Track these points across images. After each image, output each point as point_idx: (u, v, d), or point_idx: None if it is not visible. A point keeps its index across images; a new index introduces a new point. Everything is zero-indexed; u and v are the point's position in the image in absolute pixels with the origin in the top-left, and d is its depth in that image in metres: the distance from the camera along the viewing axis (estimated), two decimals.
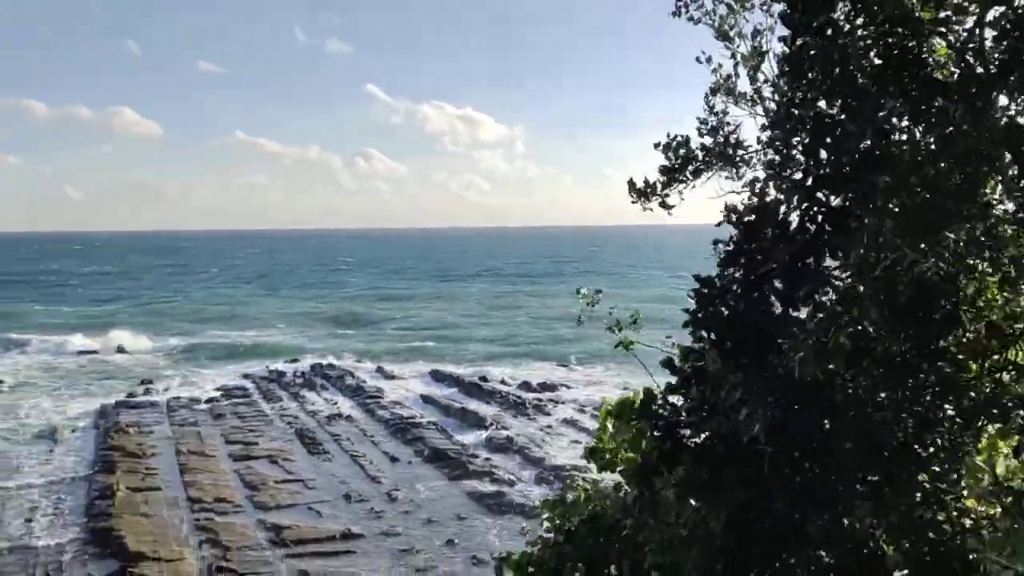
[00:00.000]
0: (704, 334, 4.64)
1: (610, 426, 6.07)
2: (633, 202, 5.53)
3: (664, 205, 5.55)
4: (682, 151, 5.28)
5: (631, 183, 5.51)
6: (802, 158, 4.64)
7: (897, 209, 4.78)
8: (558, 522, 6.23)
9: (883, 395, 4.44)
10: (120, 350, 71.58)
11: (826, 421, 4.50)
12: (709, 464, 4.66)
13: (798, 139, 4.76)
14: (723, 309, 4.59)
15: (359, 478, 35.78)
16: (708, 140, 5.34)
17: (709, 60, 5.36)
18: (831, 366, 4.46)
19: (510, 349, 63.22)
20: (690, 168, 5.29)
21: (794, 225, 4.54)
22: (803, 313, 4.62)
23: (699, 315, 4.63)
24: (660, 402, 5.18)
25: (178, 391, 54.30)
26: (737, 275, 4.61)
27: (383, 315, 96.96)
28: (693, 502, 4.80)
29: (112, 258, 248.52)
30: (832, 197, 4.50)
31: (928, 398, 4.51)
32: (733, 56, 5.20)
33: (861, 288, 4.75)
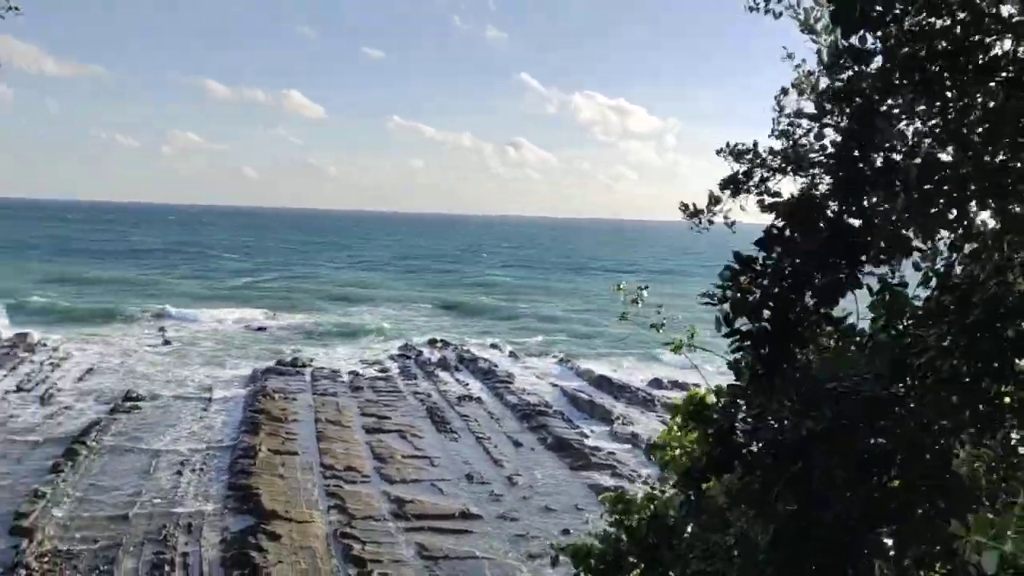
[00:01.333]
0: (735, 318, 4.48)
1: (676, 425, 5.95)
2: (691, 219, 5.30)
3: (725, 218, 5.29)
4: (747, 157, 5.03)
5: (683, 205, 5.31)
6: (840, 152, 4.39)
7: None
8: (619, 517, 6.19)
9: (944, 421, 4.12)
10: (269, 320, 76.37)
11: (877, 438, 4.22)
12: (760, 474, 4.49)
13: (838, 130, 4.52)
14: (755, 292, 4.39)
15: (482, 460, 36.51)
16: (778, 144, 5.07)
17: (791, 56, 5.07)
18: (866, 375, 4.18)
19: (643, 348, 62.44)
20: (755, 177, 5.02)
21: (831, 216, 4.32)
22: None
23: (729, 296, 4.46)
24: (718, 405, 5.04)
25: (322, 363, 57.14)
26: (770, 260, 4.41)
27: (521, 304, 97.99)
28: (742, 512, 4.65)
29: (275, 233, 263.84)
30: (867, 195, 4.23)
31: (1005, 427, 4.14)
32: (819, 52, 4.89)
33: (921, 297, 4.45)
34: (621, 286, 6.61)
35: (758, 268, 4.38)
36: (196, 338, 65.35)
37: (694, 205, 5.28)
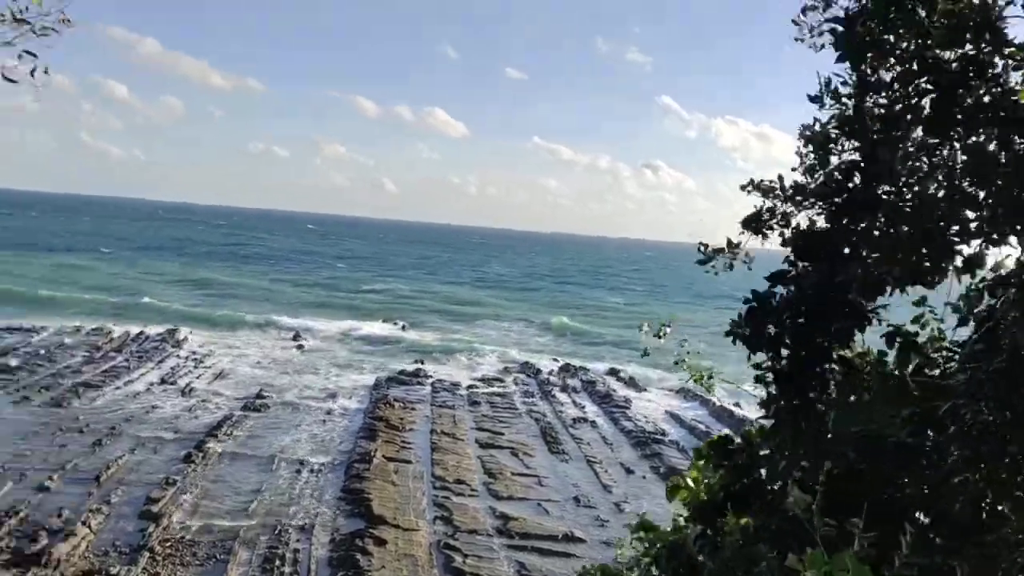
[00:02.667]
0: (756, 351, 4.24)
1: (698, 468, 5.65)
2: (710, 257, 5.00)
3: (745, 256, 4.95)
4: (774, 192, 4.69)
5: (702, 245, 5.00)
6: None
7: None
8: (647, 545, 5.95)
9: (970, 473, 3.69)
10: (402, 330, 78.62)
11: (901, 486, 3.83)
12: (779, 516, 4.17)
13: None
14: (772, 329, 4.11)
15: (591, 483, 36.07)
16: (802, 178, 4.72)
17: (828, 83, 4.68)
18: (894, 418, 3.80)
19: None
20: (778, 215, 4.66)
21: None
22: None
23: (747, 332, 4.20)
24: (738, 443, 4.76)
25: (443, 375, 58.20)
26: (786, 295, 4.13)
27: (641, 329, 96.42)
28: (759, 553, 4.35)
29: (409, 247, 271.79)
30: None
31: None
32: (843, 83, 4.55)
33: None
34: (645, 327, 6.44)
35: (773, 305, 4.14)
36: (326, 346, 68.03)
37: (709, 246, 4.99)
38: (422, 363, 61.66)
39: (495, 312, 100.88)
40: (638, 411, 50.46)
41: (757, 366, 4.37)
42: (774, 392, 4.32)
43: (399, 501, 31.54)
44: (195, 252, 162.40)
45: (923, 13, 3.85)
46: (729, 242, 4.84)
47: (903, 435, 3.84)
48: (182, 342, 61.60)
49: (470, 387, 54.71)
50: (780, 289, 4.33)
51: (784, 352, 4.23)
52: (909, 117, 4.04)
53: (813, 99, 4.46)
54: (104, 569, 23.99)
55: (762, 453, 4.63)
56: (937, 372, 4.19)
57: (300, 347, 65.80)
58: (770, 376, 4.32)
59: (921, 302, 4.51)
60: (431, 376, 57.03)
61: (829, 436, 3.98)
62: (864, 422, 3.94)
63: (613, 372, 64.36)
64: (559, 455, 40.22)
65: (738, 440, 4.92)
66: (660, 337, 6.33)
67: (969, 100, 3.86)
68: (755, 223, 4.60)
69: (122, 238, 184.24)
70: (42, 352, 53.18)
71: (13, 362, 49.46)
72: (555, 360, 67.03)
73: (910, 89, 4.03)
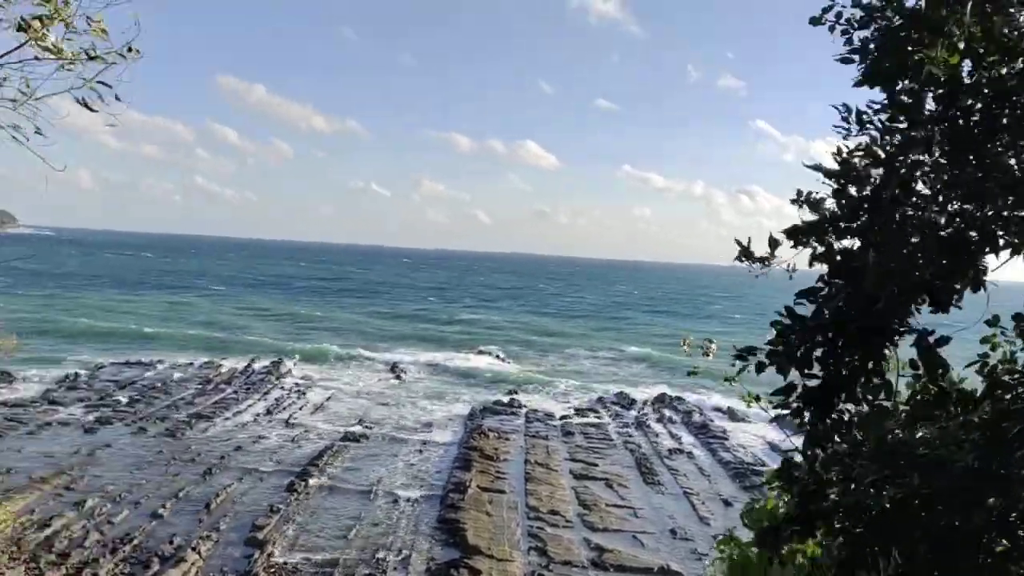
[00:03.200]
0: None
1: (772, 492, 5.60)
2: (750, 263, 4.97)
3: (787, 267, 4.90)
4: (824, 207, 4.65)
5: (741, 248, 4.98)
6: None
7: None
8: (735, 558, 5.92)
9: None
10: (495, 361, 79.32)
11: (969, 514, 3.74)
12: (847, 541, 4.15)
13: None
14: (803, 348, 4.12)
15: (688, 516, 35.40)
16: (853, 190, 4.67)
17: (849, 110, 4.65)
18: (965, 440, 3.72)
19: None
20: (822, 231, 4.60)
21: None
22: None
23: (779, 349, 4.22)
24: (802, 465, 4.74)
25: (537, 405, 58.34)
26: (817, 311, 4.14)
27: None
28: None
29: (503, 276, 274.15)
30: None
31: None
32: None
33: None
34: (687, 341, 6.45)
35: (808, 324, 4.16)
36: (421, 377, 69.26)
37: (750, 250, 5.01)
38: (516, 393, 61.97)
39: (588, 342, 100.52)
40: (737, 442, 49.31)
41: (777, 392, 4.45)
42: (803, 411, 4.39)
43: (494, 531, 31.72)
44: (296, 288, 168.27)
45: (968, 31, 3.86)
46: (772, 241, 4.83)
47: (970, 459, 3.80)
48: (286, 375, 63.88)
49: (563, 417, 54.64)
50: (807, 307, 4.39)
51: (817, 369, 4.26)
52: (938, 139, 4.04)
53: (839, 125, 4.49)
54: None
55: (827, 478, 4.63)
56: (1009, 396, 4.12)
57: (398, 378, 67.20)
58: (794, 397, 4.39)
59: (994, 322, 4.45)
60: (524, 406, 57.24)
61: (886, 454, 3.97)
62: (925, 444, 3.93)
63: (710, 400, 63.10)
64: (655, 486, 39.64)
65: (803, 463, 4.92)
66: (707, 355, 6.36)
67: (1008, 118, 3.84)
68: (799, 235, 4.61)
69: (229, 275, 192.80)
70: (158, 385, 56.07)
71: (132, 394, 52.35)
72: (649, 390, 66.26)
73: (946, 110, 4.03)
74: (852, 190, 4.40)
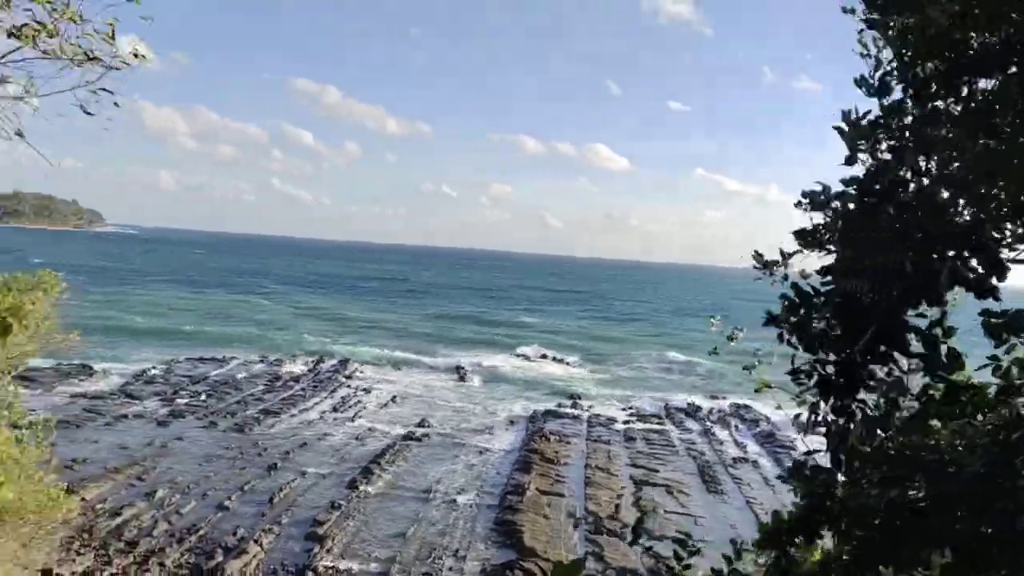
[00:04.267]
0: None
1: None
2: (764, 269, 4.77)
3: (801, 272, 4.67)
4: (828, 208, 4.39)
5: (756, 255, 4.79)
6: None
7: None
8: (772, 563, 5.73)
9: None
10: (558, 364, 79.17)
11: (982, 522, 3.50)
12: (858, 544, 3.94)
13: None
14: (813, 321, 3.92)
15: (750, 526, 34.58)
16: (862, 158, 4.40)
17: (863, 79, 4.35)
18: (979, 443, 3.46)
19: None
20: (835, 230, 4.34)
21: None
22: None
23: (787, 320, 4.03)
24: (812, 464, 4.54)
25: (599, 409, 57.93)
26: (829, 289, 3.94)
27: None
28: None
29: (571, 280, 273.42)
30: None
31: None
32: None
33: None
34: (715, 320, 6.26)
35: (818, 302, 3.98)
36: (483, 379, 69.54)
37: (763, 257, 4.83)
38: (578, 398, 61.66)
39: (653, 349, 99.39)
40: (804, 450, 47.97)
41: (794, 372, 4.28)
42: (816, 399, 4.23)
43: (550, 534, 31.59)
44: (364, 288, 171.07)
45: None
46: (782, 253, 4.68)
47: (978, 465, 3.57)
48: (352, 374, 64.90)
49: (626, 423, 54.12)
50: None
51: (830, 355, 4.09)
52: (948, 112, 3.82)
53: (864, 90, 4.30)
54: None
55: (840, 478, 4.45)
56: (1021, 400, 3.87)
57: (461, 380, 67.63)
58: (812, 381, 4.22)
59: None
60: (586, 411, 56.91)
61: (892, 456, 3.77)
62: (932, 447, 3.72)
63: (777, 408, 61.59)
64: (717, 495, 38.92)
65: (814, 462, 4.73)
66: (732, 340, 6.21)
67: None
68: (810, 236, 4.41)
69: (298, 276, 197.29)
70: (229, 381, 57.63)
71: (204, 390, 53.93)
72: (714, 397, 65.14)
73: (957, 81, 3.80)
74: (861, 158, 4.21)
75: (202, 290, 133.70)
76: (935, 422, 3.85)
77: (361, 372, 66.50)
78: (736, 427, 54.68)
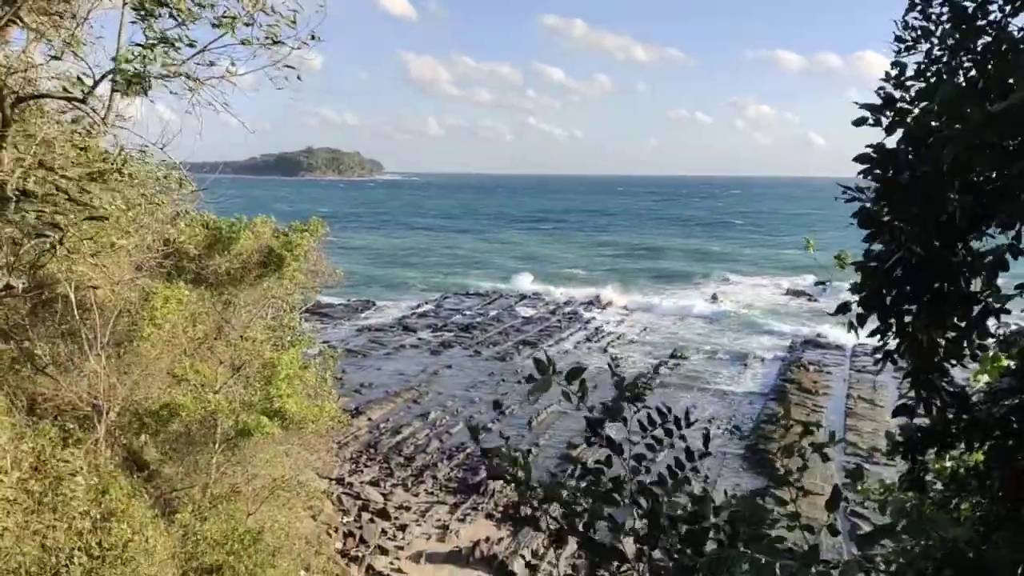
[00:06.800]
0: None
1: None
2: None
3: None
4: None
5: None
6: None
7: None
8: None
9: None
10: (814, 291, 75.13)
11: None
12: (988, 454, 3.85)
13: None
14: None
15: None
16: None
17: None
18: None
19: None
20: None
21: None
22: None
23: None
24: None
25: (864, 339, 54.48)
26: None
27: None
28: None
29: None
30: None
31: None
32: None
33: None
34: (811, 241, 5.79)
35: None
36: (744, 306, 67.97)
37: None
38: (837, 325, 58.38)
39: None
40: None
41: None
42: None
43: (803, 464, 30.85)
44: (620, 223, 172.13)
45: None
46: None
47: None
48: (605, 306, 66.47)
49: None
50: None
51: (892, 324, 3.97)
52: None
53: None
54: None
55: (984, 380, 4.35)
56: None
57: (717, 306, 66.66)
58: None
59: None
60: (849, 344, 53.86)
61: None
62: None
63: None
64: None
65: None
66: (823, 286, 5.86)
67: None
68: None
69: (554, 212, 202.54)
70: (492, 314, 61.56)
71: (470, 322, 58.15)
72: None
73: None
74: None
75: (478, 229, 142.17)
76: None
77: (616, 304, 67.81)
78: None
